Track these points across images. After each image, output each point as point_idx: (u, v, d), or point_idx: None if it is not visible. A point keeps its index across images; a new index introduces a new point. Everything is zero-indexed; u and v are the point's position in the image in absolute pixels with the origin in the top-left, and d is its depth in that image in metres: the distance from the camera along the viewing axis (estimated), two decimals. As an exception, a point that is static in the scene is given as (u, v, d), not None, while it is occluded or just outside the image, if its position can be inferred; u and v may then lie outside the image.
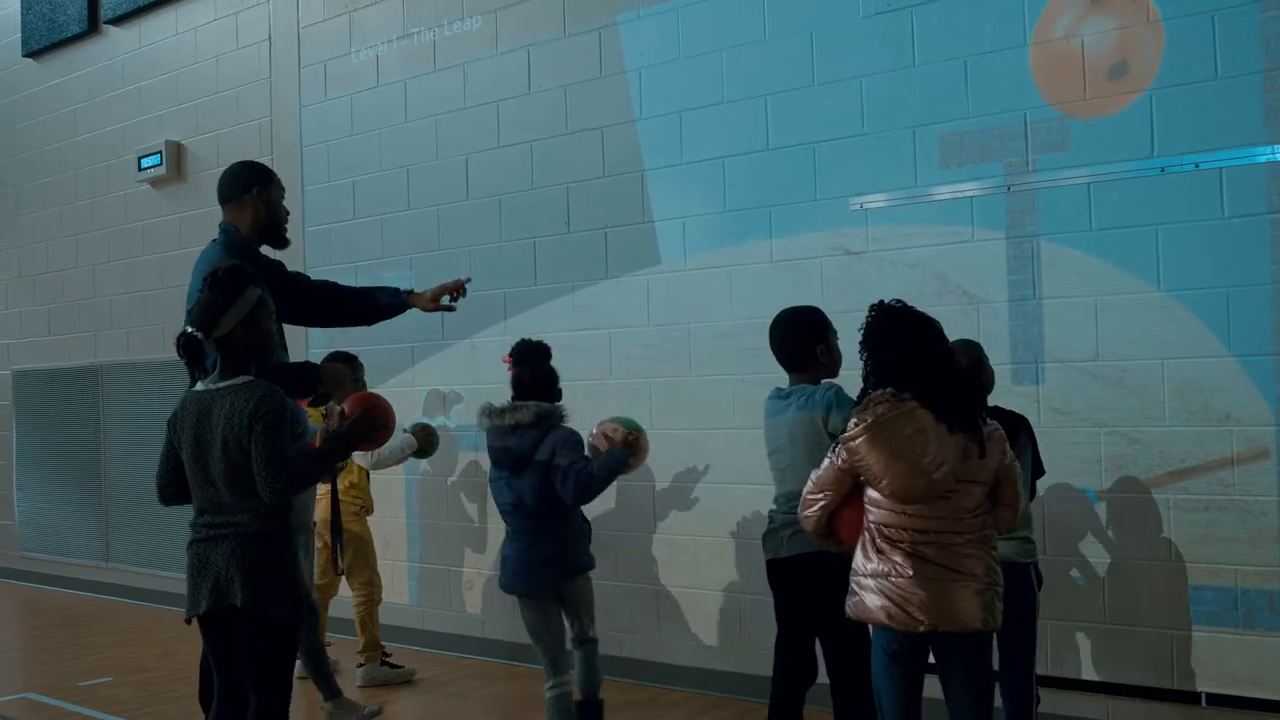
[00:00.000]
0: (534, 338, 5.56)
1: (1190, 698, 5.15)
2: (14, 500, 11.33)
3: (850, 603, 3.88)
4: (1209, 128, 5.11)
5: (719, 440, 6.47)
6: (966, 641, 3.78)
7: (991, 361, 5.37)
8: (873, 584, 3.78)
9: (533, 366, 5.42)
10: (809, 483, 4.00)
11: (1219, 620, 5.09)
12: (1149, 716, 5.26)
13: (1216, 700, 5.09)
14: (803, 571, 4.62)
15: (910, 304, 3.95)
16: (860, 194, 6.00)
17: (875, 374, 3.86)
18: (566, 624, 5.42)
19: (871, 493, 3.82)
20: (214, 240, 5.22)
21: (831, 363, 4.78)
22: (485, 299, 7.43)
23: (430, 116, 7.87)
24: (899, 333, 3.86)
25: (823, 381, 4.74)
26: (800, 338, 4.80)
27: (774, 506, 4.81)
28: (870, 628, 3.94)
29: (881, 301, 3.97)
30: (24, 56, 11.35)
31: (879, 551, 3.79)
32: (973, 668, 3.82)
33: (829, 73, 6.12)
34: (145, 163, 9.92)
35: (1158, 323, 5.19)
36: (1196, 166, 5.13)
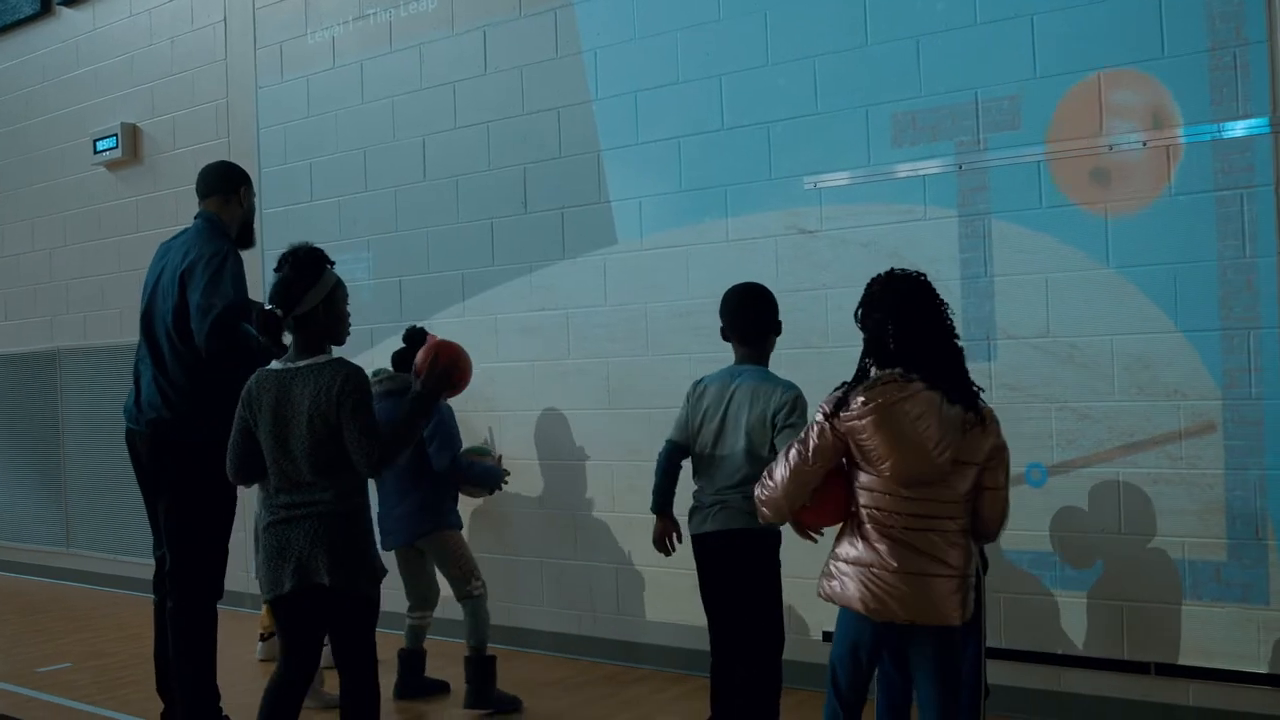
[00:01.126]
0: (420, 325, 6.25)
1: (1139, 668, 5.22)
2: (-28, 486, 11.27)
3: (826, 585, 3.85)
4: (1156, 106, 5.16)
5: (676, 419, 6.50)
6: (941, 635, 3.76)
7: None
8: (853, 571, 3.75)
9: (414, 348, 5.93)
10: (783, 457, 3.86)
11: (1166, 592, 5.16)
12: (1099, 686, 5.33)
13: (1165, 670, 5.17)
14: (728, 546, 4.76)
15: (907, 269, 3.90)
16: (814, 173, 6.03)
17: (882, 347, 3.77)
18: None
19: (864, 476, 3.77)
20: (198, 226, 5.31)
21: (774, 342, 4.99)
22: (443, 280, 7.45)
23: (387, 98, 7.85)
24: (905, 302, 3.78)
25: (783, 381, 4.77)
26: (767, 313, 4.92)
27: (701, 484, 4.89)
28: (838, 610, 3.89)
29: (890, 271, 3.89)
30: (-24, 38, 11.24)
31: (864, 539, 3.75)
32: (945, 661, 3.79)
33: (783, 52, 6.14)
34: (100, 145, 9.84)
35: (1107, 299, 5.25)
36: (1144, 145, 5.18)
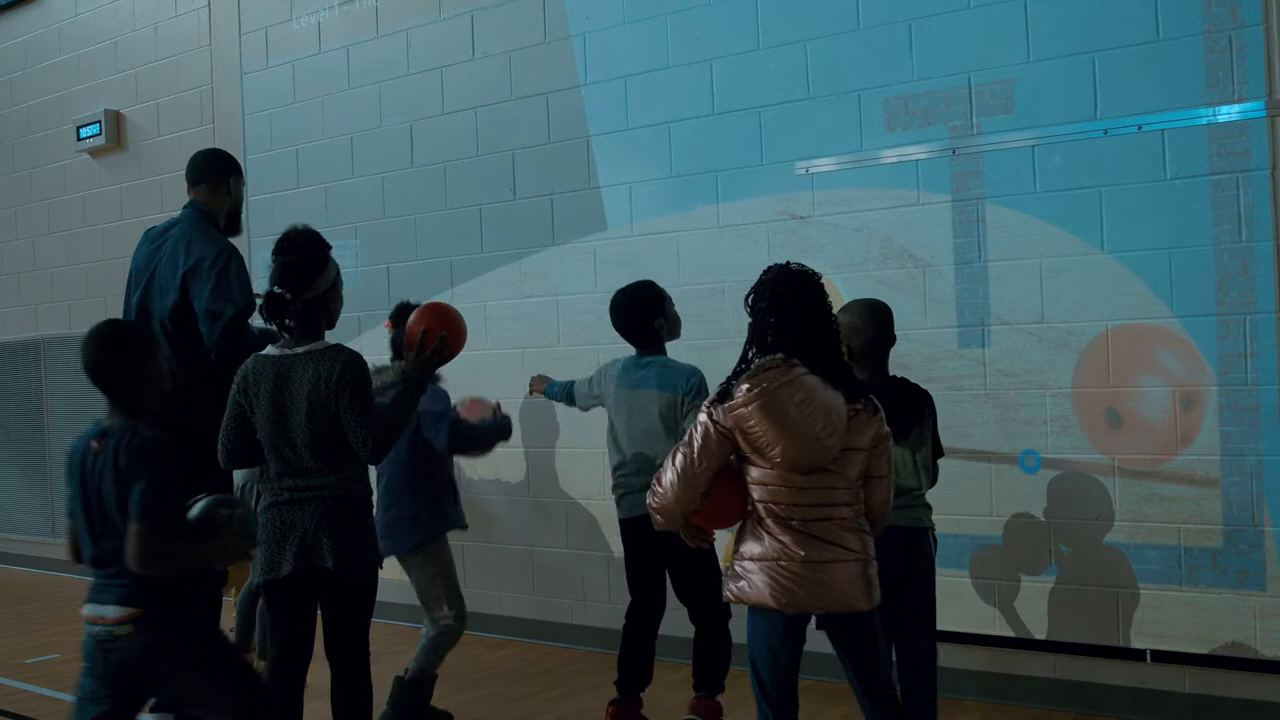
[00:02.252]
0: (412, 301, 5.69)
1: (1135, 655, 5.21)
2: (-44, 476, 11.20)
3: (734, 587, 3.80)
4: (1151, 90, 5.12)
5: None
6: (854, 620, 3.76)
7: (938, 324, 5.43)
8: (759, 568, 3.71)
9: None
10: (670, 463, 3.80)
11: (1162, 578, 5.14)
12: (1094, 674, 5.32)
13: (1160, 657, 5.15)
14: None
15: (801, 265, 3.88)
16: (806, 158, 5.99)
17: (763, 336, 3.77)
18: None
19: (756, 470, 3.73)
20: (190, 218, 5.28)
21: (670, 330, 5.31)
22: (431, 267, 7.40)
23: (374, 83, 7.78)
24: (792, 294, 3.77)
25: (684, 364, 5.16)
26: (642, 315, 5.22)
27: (625, 470, 5.17)
28: (749, 610, 3.82)
29: (780, 264, 3.88)
30: (-43, 24, 11.13)
31: (767, 533, 3.71)
32: (864, 644, 3.80)
33: (774, 36, 6.09)
34: (84, 132, 9.75)
35: (1102, 284, 5.22)
36: (1139, 128, 5.14)
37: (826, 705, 5.59)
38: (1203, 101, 5.02)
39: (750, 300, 3.86)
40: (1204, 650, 5.07)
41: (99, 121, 9.61)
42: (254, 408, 4.15)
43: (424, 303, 4.79)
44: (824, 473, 3.68)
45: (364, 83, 7.84)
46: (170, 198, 9.08)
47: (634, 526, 5.16)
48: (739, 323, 6.11)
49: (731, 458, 3.78)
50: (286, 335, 4.20)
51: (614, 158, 6.68)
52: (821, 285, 3.83)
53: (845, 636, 3.80)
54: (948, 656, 5.48)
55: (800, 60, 6.00)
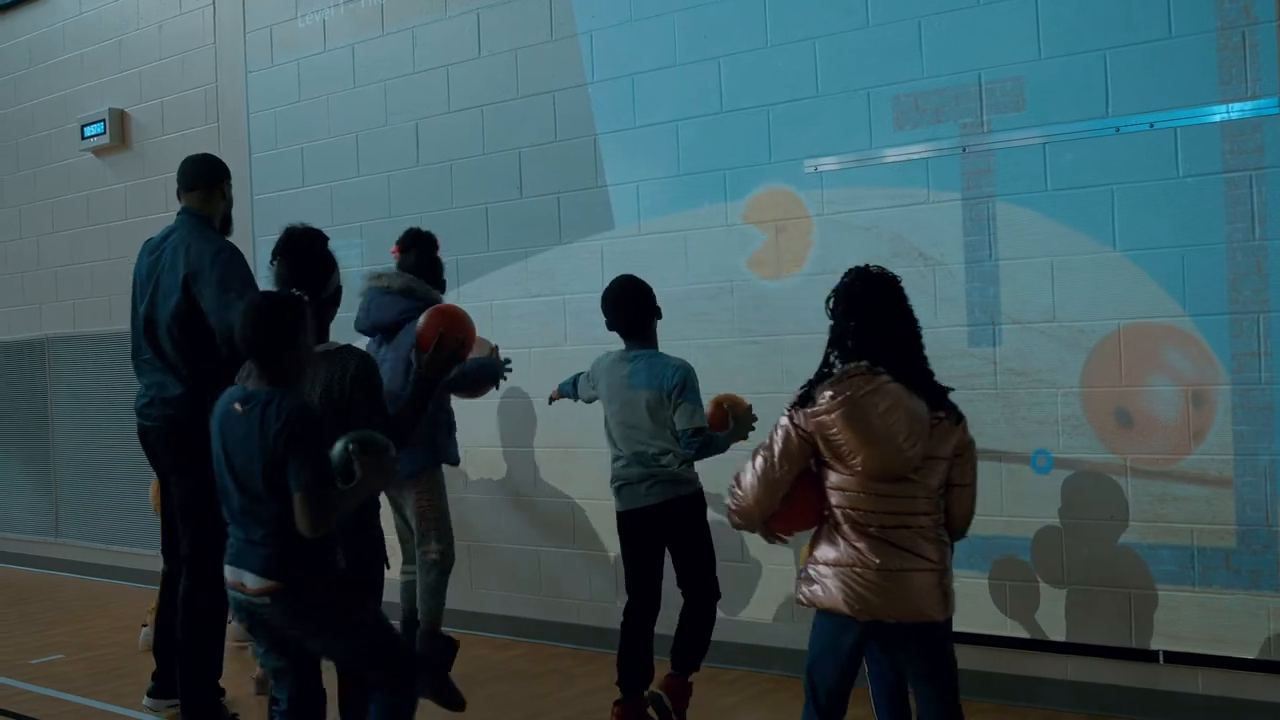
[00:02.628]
0: (424, 228, 5.95)
1: (1148, 656, 5.17)
2: (-40, 476, 11.17)
3: (806, 590, 3.76)
4: (1163, 87, 5.09)
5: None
6: (926, 631, 3.71)
7: (948, 323, 5.40)
8: (833, 573, 3.67)
9: (419, 252, 5.74)
10: (750, 465, 3.80)
11: (1175, 579, 5.10)
12: (1106, 675, 5.28)
13: (1174, 658, 5.11)
14: (665, 516, 5.14)
15: (880, 267, 3.88)
16: (814, 156, 5.95)
17: (844, 341, 3.75)
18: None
19: (835, 476, 3.69)
20: (188, 224, 5.48)
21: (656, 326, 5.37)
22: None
23: (379, 82, 7.75)
24: (870, 298, 3.76)
25: (673, 359, 5.19)
26: (647, 309, 5.28)
27: (622, 462, 5.21)
28: (817, 614, 3.80)
29: (859, 266, 3.86)
30: (-39, 23, 11.11)
31: (843, 539, 3.68)
32: (934, 657, 3.76)
33: (782, 34, 6.05)
34: (88, 131, 9.72)
35: (1113, 283, 5.18)
36: (1151, 126, 5.11)
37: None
38: (1215, 99, 4.98)
39: (830, 304, 3.85)
40: (1218, 651, 5.03)
41: (103, 120, 9.57)
42: None
43: (433, 306, 4.80)
44: (905, 481, 3.65)
45: (369, 81, 7.80)
46: (174, 197, 9.05)
47: (632, 519, 5.24)
48: (747, 322, 6.17)
49: (810, 461, 3.75)
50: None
51: (621, 156, 6.65)
52: (900, 288, 3.81)
53: (917, 647, 3.75)
54: (960, 658, 5.45)
55: (809, 58, 5.97)
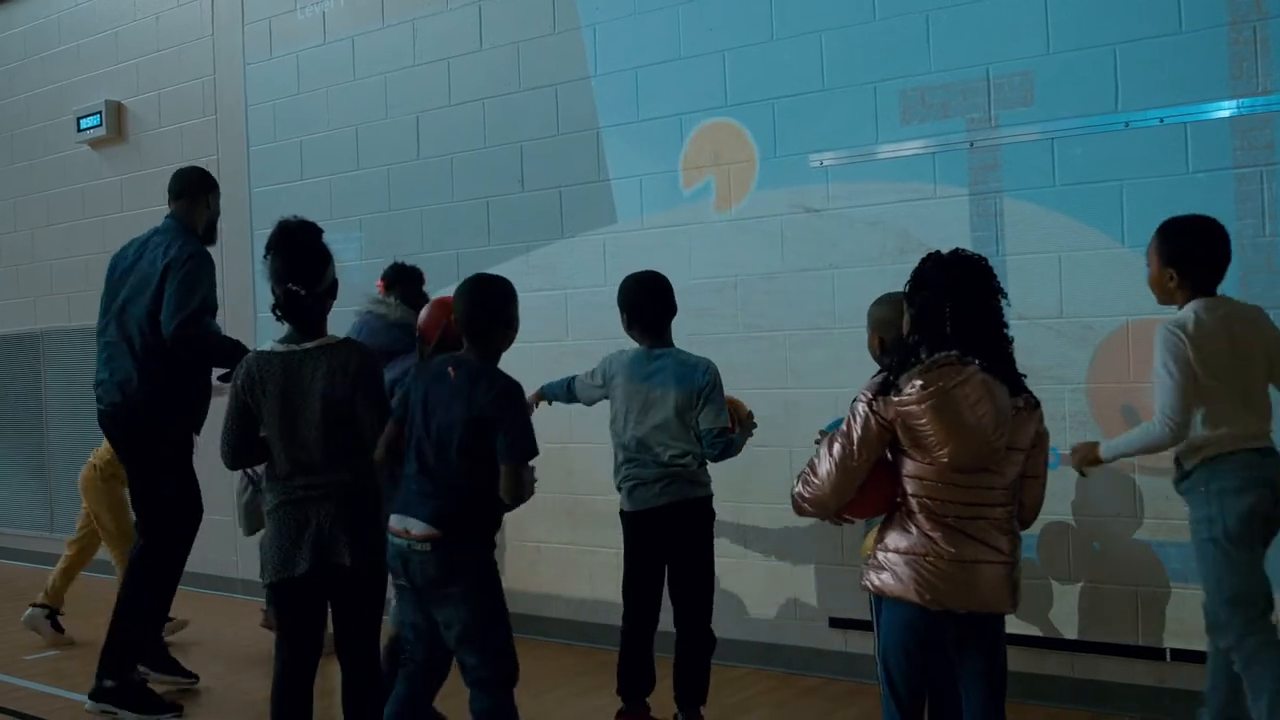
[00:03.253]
0: (409, 262, 5.79)
1: (1155, 654, 5.14)
2: (-47, 470, 11.10)
3: (876, 578, 3.66)
4: (1173, 82, 5.06)
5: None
6: (994, 624, 3.66)
7: (955, 319, 5.33)
8: (904, 561, 3.58)
9: (403, 288, 5.61)
10: (825, 453, 3.67)
11: (1182, 576, 5.07)
12: (1113, 672, 5.25)
13: (1181, 655, 5.09)
14: (674, 518, 5.01)
15: (971, 251, 3.70)
16: (820, 151, 5.92)
17: (937, 327, 3.56)
18: None
19: (912, 464, 3.58)
20: (169, 225, 5.86)
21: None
22: (437, 260, 7.29)
23: (379, 74, 7.70)
24: (968, 282, 3.60)
25: (697, 357, 5.09)
26: (671, 305, 5.17)
27: (636, 462, 5.05)
28: (886, 604, 3.70)
29: (944, 251, 3.68)
30: (-45, 14, 11.04)
31: (917, 528, 3.58)
32: (996, 651, 3.70)
33: (788, 27, 6.03)
34: (85, 123, 9.66)
35: (1122, 278, 5.16)
36: (1161, 121, 5.08)
37: (842, 704, 5.53)
38: (1226, 94, 4.97)
39: (914, 287, 3.67)
40: (1225, 649, 5.00)
41: (99, 112, 9.52)
42: (260, 405, 4.09)
43: (437, 296, 4.72)
44: (984, 472, 3.55)
45: (369, 74, 7.76)
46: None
47: (643, 520, 5.08)
48: (750, 317, 6.13)
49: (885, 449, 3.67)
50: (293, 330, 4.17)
51: (624, 150, 6.61)
52: (992, 270, 3.67)
53: (980, 642, 3.68)
54: None
55: (815, 51, 5.93)
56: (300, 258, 4.12)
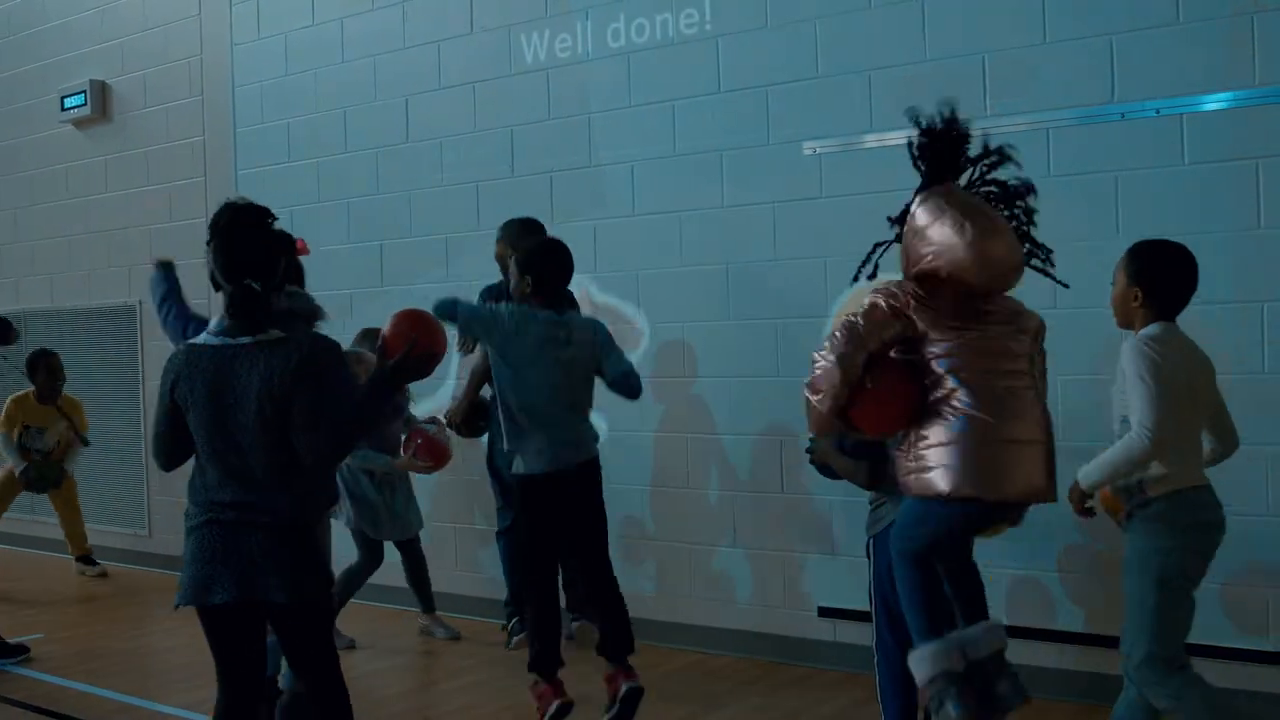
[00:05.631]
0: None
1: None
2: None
3: (920, 479, 3.63)
4: (1170, 73, 5.04)
5: (674, 387, 6.39)
6: (1021, 515, 3.80)
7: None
8: (953, 451, 3.56)
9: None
10: (832, 336, 3.70)
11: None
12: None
13: (1193, 650, 5.05)
14: (584, 476, 5.04)
15: None
16: (814, 138, 5.89)
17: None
18: None
19: (939, 343, 3.64)
20: None
21: None
22: (426, 244, 7.29)
23: (368, 56, 7.65)
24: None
25: (580, 315, 5.31)
26: (572, 270, 5.22)
27: (552, 426, 4.95)
28: (921, 506, 3.69)
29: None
30: (-63, -10, 10.93)
31: (962, 408, 3.58)
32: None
33: (782, 14, 5.99)
34: (69, 102, 9.58)
35: (1115, 268, 5.12)
36: (1157, 112, 5.06)
37: (831, 693, 5.52)
38: (1222, 86, 4.95)
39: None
40: (1236, 645, 5.01)
41: (84, 92, 9.44)
42: (188, 406, 3.56)
43: (404, 309, 4.03)
44: (1011, 331, 3.72)
45: (358, 56, 7.70)
46: (155, 170, 8.96)
47: (559, 481, 4.98)
48: (742, 306, 6.09)
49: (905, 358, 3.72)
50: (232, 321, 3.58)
51: (615, 135, 6.56)
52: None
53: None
54: (1027, 654, 5.41)
55: (809, 38, 5.90)
56: (257, 250, 3.60)
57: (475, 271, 6.97)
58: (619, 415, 6.16)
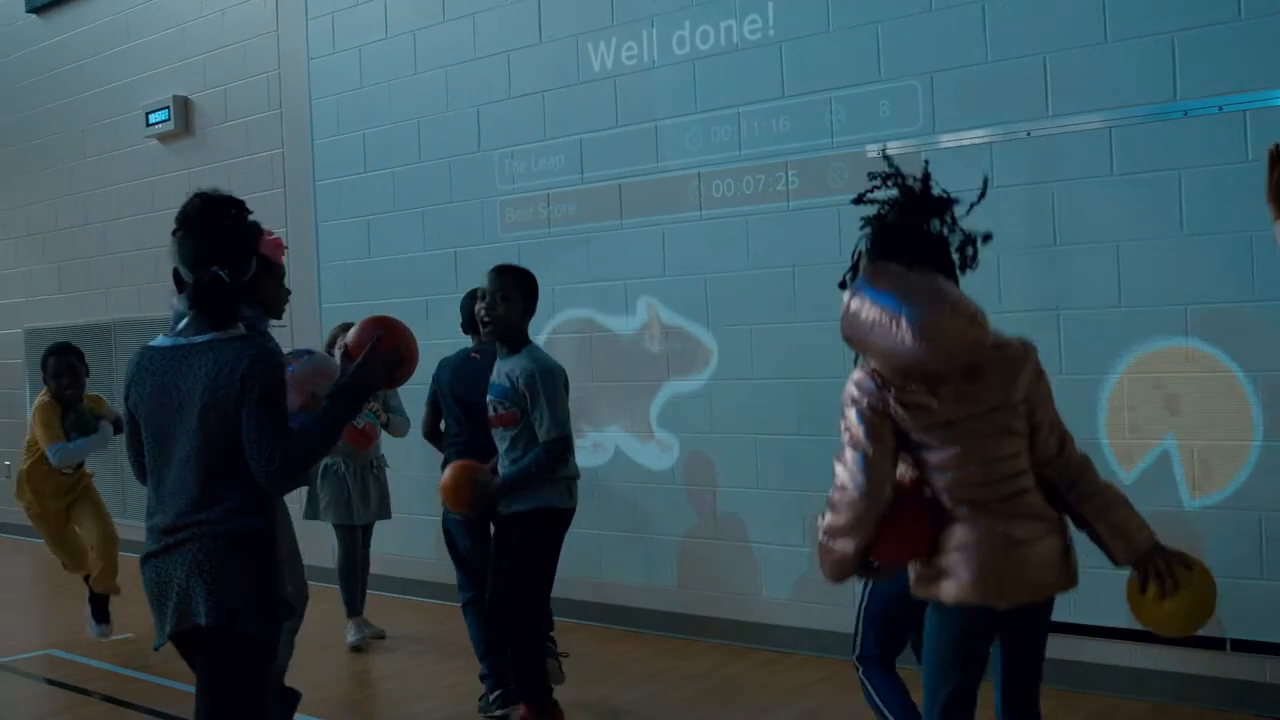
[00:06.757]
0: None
1: (1215, 644, 5.12)
2: (29, 458, 11.30)
3: (930, 586, 3.21)
4: (1233, 69, 5.03)
5: (743, 391, 6.49)
6: (1046, 609, 3.33)
7: (1012, 309, 5.34)
8: (959, 558, 3.13)
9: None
10: (840, 465, 3.16)
11: (1242, 567, 5.04)
12: (1172, 662, 5.24)
13: (1241, 646, 5.08)
14: (522, 524, 4.97)
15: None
16: (878, 141, 5.93)
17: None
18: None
19: (932, 454, 3.15)
20: None
21: None
22: (498, 251, 7.37)
23: (440, 67, 7.80)
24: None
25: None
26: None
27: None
28: (938, 615, 3.25)
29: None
30: (28, 13, 11.27)
31: (958, 520, 3.15)
32: (1042, 637, 3.39)
33: (845, 18, 6.04)
34: (153, 118, 9.86)
35: (1180, 268, 5.14)
36: (1220, 109, 5.05)
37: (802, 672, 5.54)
38: (1287, 81, 4.93)
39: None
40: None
41: (167, 107, 9.71)
42: (139, 413, 3.30)
43: (372, 315, 3.86)
44: (1004, 435, 3.16)
45: (430, 67, 7.86)
46: (237, 183, 9.08)
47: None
48: (808, 308, 6.14)
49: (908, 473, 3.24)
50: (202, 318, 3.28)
51: (683, 141, 6.65)
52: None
53: (1029, 626, 3.33)
54: None
55: (872, 42, 5.95)
56: (226, 238, 3.29)
57: (546, 277, 7.08)
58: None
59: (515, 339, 5.03)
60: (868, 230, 3.57)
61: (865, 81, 5.97)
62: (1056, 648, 5.38)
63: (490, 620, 5.20)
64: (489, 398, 5.04)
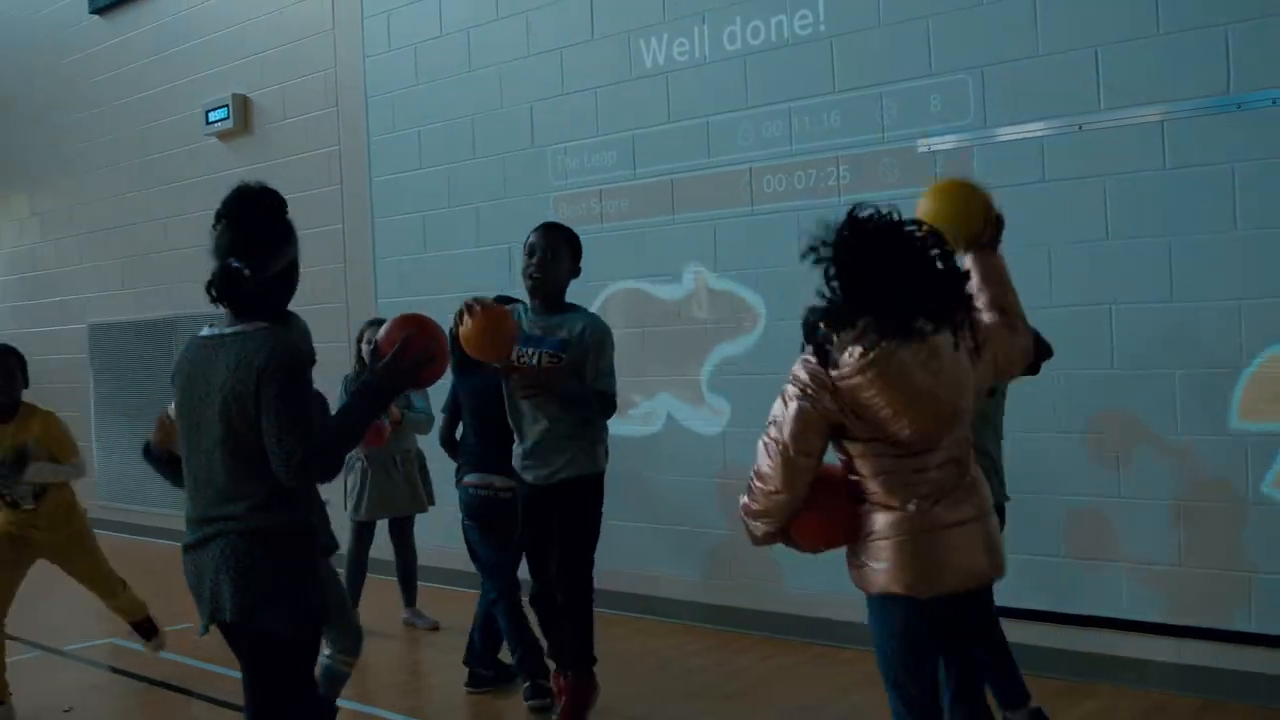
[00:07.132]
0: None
1: (1263, 640, 5.10)
2: (92, 450, 11.51)
3: (859, 575, 3.18)
4: (1288, 61, 5.00)
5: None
6: (986, 595, 3.28)
7: (1062, 303, 5.33)
8: (885, 548, 3.07)
9: None
10: (764, 452, 3.13)
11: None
12: (1219, 658, 5.21)
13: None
14: (571, 491, 4.95)
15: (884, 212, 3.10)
16: (928, 136, 5.94)
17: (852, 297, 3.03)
18: None
19: (861, 445, 3.09)
20: None
21: None
22: (552, 247, 7.45)
23: (494, 65, 7.87)
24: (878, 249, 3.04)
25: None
26: None
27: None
28: (874, 605, 3.20)
29: (851, 213, 3.11)
30: (91, 14, 11.47)
31: (887, 508, 3.08)
32: (989, 622, 3.37)
33: (894, 13, 6.05)
34: (213, 116, 10.02)
35: (1234, 262, 5.11)
36: (1274, 102, 5.01)
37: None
38: (1342, 73, 4.89)
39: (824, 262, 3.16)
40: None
41: (226, 105, 9.86)
42: (177, 402, 3.36)
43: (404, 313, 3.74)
44: (951, 430, 3.09)
45: (484, 64, 7.93)
46: (295, 180, 9.22)
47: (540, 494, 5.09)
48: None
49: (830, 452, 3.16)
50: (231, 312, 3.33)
51: (735, 136, 6.68)
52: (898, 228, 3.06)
53: (971, 615, 3.29)
54: (1069, 639, 5.45)
55: (922, 36, 5.95)
56: (255, 231, 3.35)
57: (600, 273, 7.14)
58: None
59: (559, 298, 5.08)
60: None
61: (916, 76, 5.98)
62: (1103, 643, 5.44)
63: (542, 599, 5.21)
64: (524, 349, 4.89)
